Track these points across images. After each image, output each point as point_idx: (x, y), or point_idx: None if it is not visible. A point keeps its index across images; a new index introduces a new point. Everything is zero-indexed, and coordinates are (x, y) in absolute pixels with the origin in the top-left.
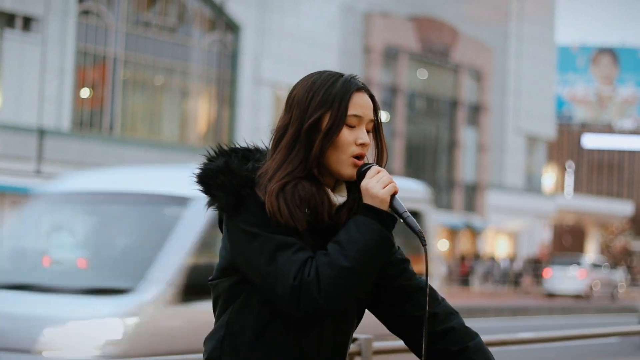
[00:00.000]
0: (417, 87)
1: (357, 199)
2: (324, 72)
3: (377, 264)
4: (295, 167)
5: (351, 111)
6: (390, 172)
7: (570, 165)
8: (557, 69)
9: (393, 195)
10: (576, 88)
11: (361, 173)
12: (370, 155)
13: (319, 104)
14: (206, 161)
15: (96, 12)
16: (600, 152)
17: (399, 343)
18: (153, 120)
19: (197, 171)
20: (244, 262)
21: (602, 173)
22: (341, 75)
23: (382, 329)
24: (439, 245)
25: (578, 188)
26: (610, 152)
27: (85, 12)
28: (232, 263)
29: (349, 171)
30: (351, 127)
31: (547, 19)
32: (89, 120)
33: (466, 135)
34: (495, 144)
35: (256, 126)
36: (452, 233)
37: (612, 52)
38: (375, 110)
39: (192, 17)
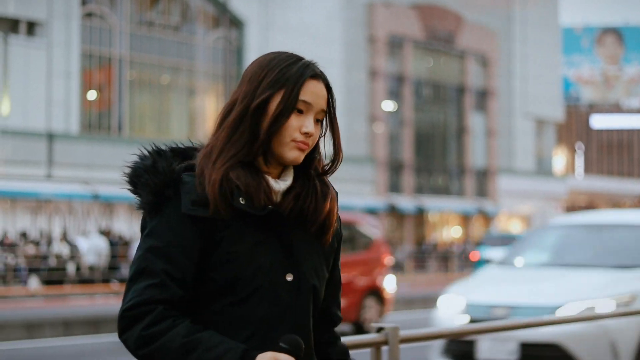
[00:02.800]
0: (423, 75)
1: (305, 185)
2: (284, 52)
3: None
4: (238, 150)
5: (302, 96)
6: (400, 161)
7: (580, 147)
8: (562, 50)
9: None
10: (582, 69)
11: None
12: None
13: (270, 83)
14: (137, 160)
15: (99, 14)
16: (609, 132)
17: (425, 331)
18: (161, 120)
19: (127, 170)
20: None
21: (612, 153)
22: (301, 58)
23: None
24: (453, 231)
25: (588, 169)
26: (619, 132)
27: (88, 15)
28: None
29: (292, 154)
30: (299, 112)
31: (550, 1)
32: (97, 122)
33: (474, 121)
34: (504, 128)
35: None
36: (465, 219)
37: (616, 32)
38: (331, 102)
39: (195, 14)
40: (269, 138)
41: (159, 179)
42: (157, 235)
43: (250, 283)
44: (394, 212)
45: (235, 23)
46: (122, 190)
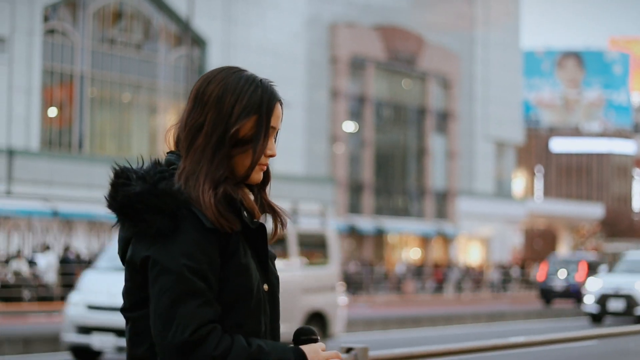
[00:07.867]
0: (385, 96)
1: (261, 199)
2: (239, 71)
3: None
4: (223, 172)
5: (270, 123)
6: (360, 182)
7: (539, 170)
8: (523, 73)
9: None
10: (542, 92)
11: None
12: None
13: (242, 110)
14: (118, 186)
15: (62, 31)
16: (569, 155)
17: (394, 352)
18: (122, 137)
19: (118, 197)
20: (152, 288)
21: (571, 176)
22: (259, 79)
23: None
24: (412, 253)
25: (548, 192)
26: (579, 155)
27: (50, 31)
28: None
29: (258, 176)
30: None
31: (512, 25)
32: (58, 139)
33: (435, 143)
34: (464, 150)
35: None
36: (425, 241)
37: (577, 56)
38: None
39: (157, 33)
40: (241, 159)
41: (171, 200)
42: (188, 254)
43: (257, 294)
44: (354, 233)
45: (198, 42)
46: (82, 208)
